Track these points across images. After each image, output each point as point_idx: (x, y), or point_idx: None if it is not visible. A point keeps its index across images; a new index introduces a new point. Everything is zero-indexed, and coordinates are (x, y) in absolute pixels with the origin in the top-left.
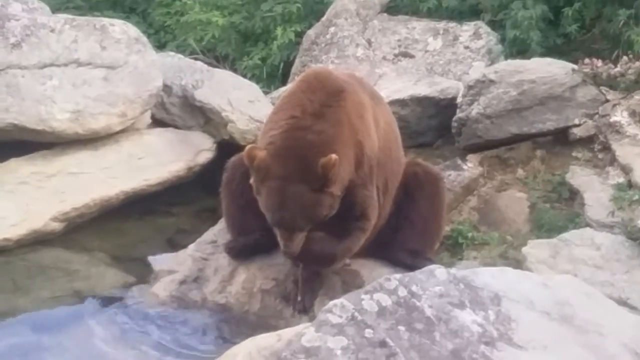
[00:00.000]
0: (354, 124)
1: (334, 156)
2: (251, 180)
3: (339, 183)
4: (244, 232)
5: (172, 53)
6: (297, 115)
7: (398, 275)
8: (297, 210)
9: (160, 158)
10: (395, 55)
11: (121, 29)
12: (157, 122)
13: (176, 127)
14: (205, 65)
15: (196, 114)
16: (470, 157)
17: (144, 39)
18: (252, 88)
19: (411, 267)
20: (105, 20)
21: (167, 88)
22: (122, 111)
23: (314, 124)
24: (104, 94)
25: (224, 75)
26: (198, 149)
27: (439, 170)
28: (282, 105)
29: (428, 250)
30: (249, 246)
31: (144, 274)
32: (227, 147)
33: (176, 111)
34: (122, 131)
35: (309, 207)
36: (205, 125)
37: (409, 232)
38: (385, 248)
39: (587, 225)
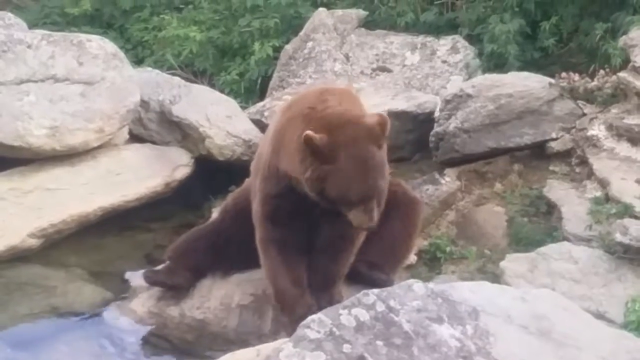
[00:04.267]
0: (358, 104)
1: (382, 114)
2: (307, 174)
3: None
4: (181, 259)
5: (149, 68)
6: (307, 112)
7: (376, 290)
8: (377, 172)
9: (138, 174)
10: (373, 70)
11: (98, 45)
12: (134, 138)
13: (154, 142)
14: (183, 81)
15: (174, 130)
16: (448, 171)
17: (121, 54)
18: (229, 103)
19: (367, 278)
20: (82, 36)
21: (144, 103)
22: (100, 127)
23: (326, 106)
24: (81, 109)
25: (201, 91)
26: (176, 164)
27: (418, 196)
28: (283, 123)
29: (389, 269)
30: (165, 285)
31: (122, 290)
32: (204, 163)
33: (154, 127)
34: (100, 147)
35: (383, 167)
36: (183, 140)
37: (376, 246)
38: None
39: (565, 239)
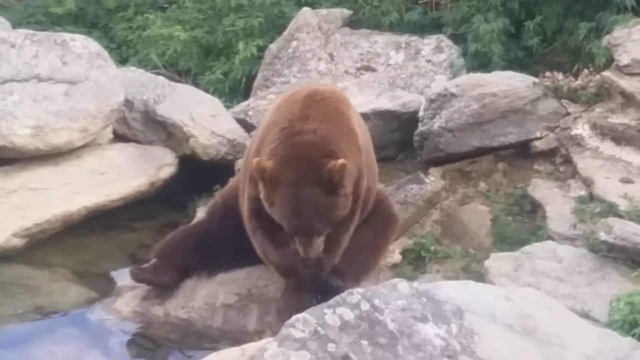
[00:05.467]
0: (342, 113)
1: (341, 161)
2: (262, 195)
3: (349, 181)
4: (168, 258)
5: (133, 68)
6: (285, 125)
7: (361, 290)
8: (313, 215)
9: (122, 173)
10: (358, 69)
11: (82, 44)
12: (118, 137)
13: (138, 142)
14: (167, 80)
15: (158, 129)
16: (432, 170)
17: (105, 54)
18: (214, 103)
19: (326, 287)
20: (66, 36)
21: (128, 103)
22: (84, 126)
23: (303, 125)
24: (65, 109)
25: (185, 90)
26: (160, 163)
27: (397, 214)
28: (267, 125)
29: (350, 276)
30: (151, 283)
31: (107, 290)
32: (189, 162)
33: (138, 126)
34: (84, 146)
35: (325, 210)
36: (167, 140)
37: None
38: None
39: (549, 238)
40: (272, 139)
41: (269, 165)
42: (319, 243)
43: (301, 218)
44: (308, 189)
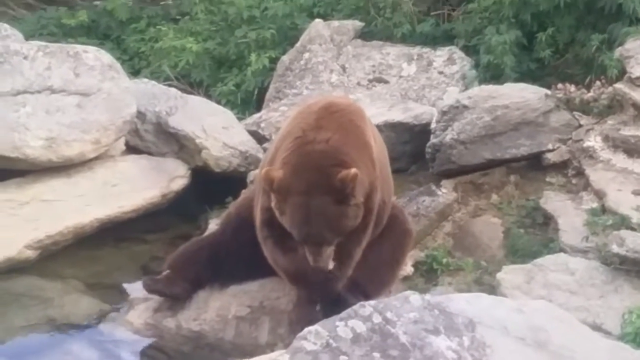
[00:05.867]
0: (357, 126)
1: (353, 170)
2: (272, 204)
3: (360, 191)
4: (181, 270)
5: (145, 80)
6: (299, 135)
7: (373, 302)
8: (323, 223)
9: (135, 185)
10: (370, 81)
11: (95, 56)
12: (131, 149)
13: (150, 153)
14: (179, 92)
15: (170, 141)
16: (444, 182)
17: (118, 65)
18: (226, 114)
19: (338, 299)
20: (79, 47)
21: (141, 115)
22: (96, 138)
23: (316, 135)
24: (78, 121)
25: (197, 102)
26: (172, 175)
27: (412, 228)
28: (282, 135)
29: (371, 291)
30: (163, 294)
31: (119, 302)
32: (201, 174)
33: (150, 138)
34: (96, 158)
35: (335, 220)
36: (179, 151)
37: (361, 266)
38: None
39: (562, 250)
40: (285, 148)
41: (279, 175)
42: (329, 252)
43: (311, 226)
44: (318, 197)
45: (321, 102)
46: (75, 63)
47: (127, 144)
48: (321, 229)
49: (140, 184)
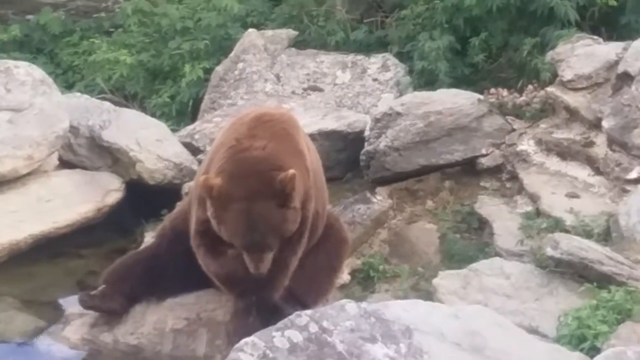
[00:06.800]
0: (291, 135)
1: (291, 171)
2: (209, 214)
3: (298, 195)
4: (117, 284)
5: (78, 94)
6: (233, 144)
7: (309, 311)
8: (266, 228)
9: (69, 200)
10: (305, 90)
11: (26, 71)
12: (64, 164)
13: (84, 168)
14: (112, 105)
15: (104, 155)
16: (379, 190)
17: (50, 80)
18: (159, 127)
19: (274, 309)
20: (10, 63)
21: (74, 129)
22: (29, 154)
23: (252, 143)
24: (10, 137)
25: (131, 115)
26: (106, 189)
27: (349, 236)
28: (216, 146)
29: (309, 300)
30: (99, 309)
31: (55, 318)
32: (135, 187)
33: (84, 152)
34: (29, 174)
35: (278, 224)
36: (114, 165)
37: (298, 274)
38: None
39: (497, 254)
40: (220, 157)
41: (217, 183)
42: (270, 258)
43: (254, 233)
44: (261, 202)
45: (254, 112)
46: (7, 78)
47: (60, 158)
48: (265, 234)
49: (74, 199)
